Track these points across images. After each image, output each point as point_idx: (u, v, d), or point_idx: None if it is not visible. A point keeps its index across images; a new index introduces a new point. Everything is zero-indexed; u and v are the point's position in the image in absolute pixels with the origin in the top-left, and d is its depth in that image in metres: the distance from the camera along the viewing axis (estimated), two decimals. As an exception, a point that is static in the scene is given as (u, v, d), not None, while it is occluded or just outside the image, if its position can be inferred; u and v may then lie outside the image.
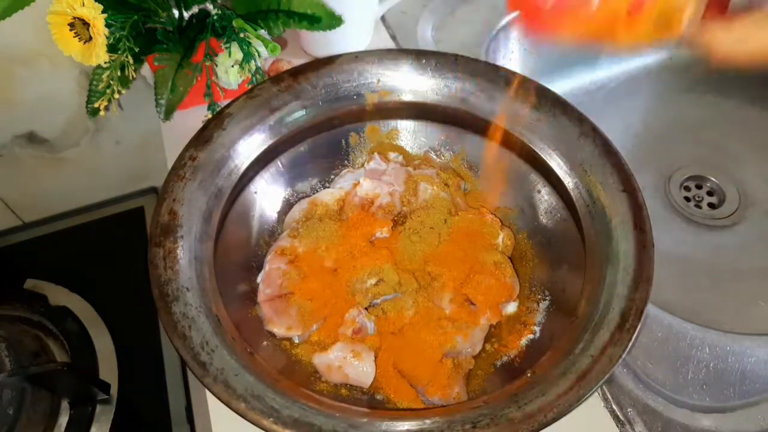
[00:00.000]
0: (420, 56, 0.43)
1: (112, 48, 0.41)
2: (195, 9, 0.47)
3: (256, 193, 0.43)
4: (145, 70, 0.51)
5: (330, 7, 0.46)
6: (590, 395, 0.28)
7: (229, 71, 0.46)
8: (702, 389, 0.39)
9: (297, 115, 0.42)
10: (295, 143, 0.44)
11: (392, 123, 0.46)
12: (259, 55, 0.46)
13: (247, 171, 0.40)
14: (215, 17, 0.46)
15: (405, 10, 0.65)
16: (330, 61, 0.43)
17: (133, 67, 0.43)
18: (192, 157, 0.38)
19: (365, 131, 0.46)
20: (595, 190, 0.36)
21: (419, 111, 0.44)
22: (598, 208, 0.36)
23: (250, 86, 0.48)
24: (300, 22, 0.46)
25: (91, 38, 0.38)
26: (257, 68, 0.47)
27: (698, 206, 0.62)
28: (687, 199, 0.62)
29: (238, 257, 0.41)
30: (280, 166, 0.44)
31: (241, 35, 0.45)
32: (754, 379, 0.39)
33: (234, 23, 0.44)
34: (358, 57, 0.43)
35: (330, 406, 0.30)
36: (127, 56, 0.42)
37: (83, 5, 0.37)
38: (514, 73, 0.41)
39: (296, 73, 0.42)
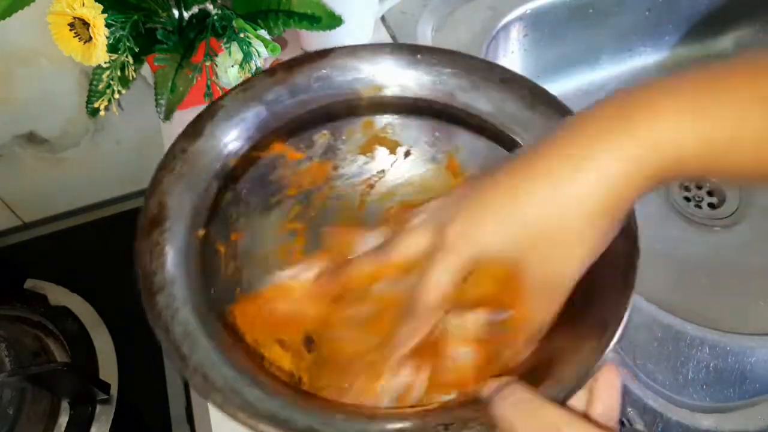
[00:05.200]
0: (416, 51, 0.42)
1: (112, 48, 0.41)
2: (195, 9, 0.47)
3: (245, 190, 0.42)
4: (145, 70, 0.51)
5: (330, 7, 0.46)
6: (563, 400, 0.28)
7: (229, 71, 0.46)
8: (702, 389, 0.39)
9: (290, 108, 0.42)
10: (288, 137, 0.43)
11: (387, 118, 0.45)
12: (259, 55, 0.46)
13: (239, 164, 0.40)
14: (215, 17, 0.46)
15: (405, 10, 0.65)
16: (324, 54, 0.42)
17: (133, 67, 0.43)
18: (182, 149, 0.38)
19: (360, 125, 0.46)
20: None
21: (414, 106, 0.44)
22: None
23: (249, 86, 0.48)
24: (300, 22, 0.46)
25: (91, 38, 0.38)
26: (257, 68, 0.47)
27: (698, 206, 0.62)
28: (687, 199, 0.62)
29: (226, 251, 0.41)
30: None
31: (241, 35, 0.45)
32: (754, 379, 0.39)
33: (234, 23, 0.44)
34: (353, 50, 0.43)
35: (309, 402, 0.30)
36: (127, 56, 0.42)
37: (83, 5, 0.37)
38: (509, 72, 0.41)
39: (290, 65, 0.42)
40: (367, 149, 0.46)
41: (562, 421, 0.23)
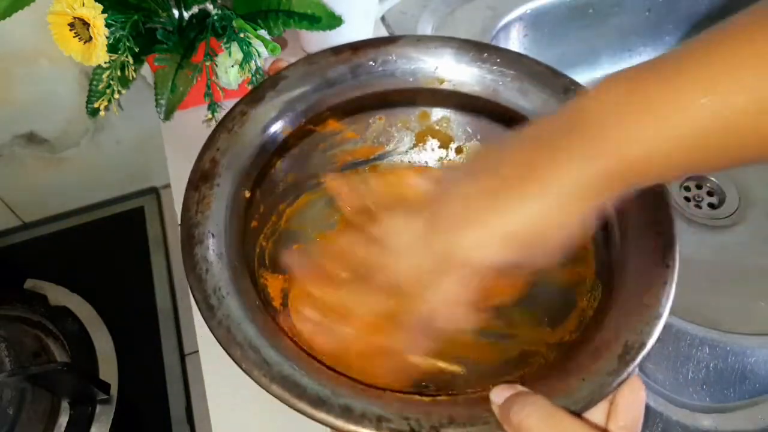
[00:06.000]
0: (482, 50, 0.42)
1: (112, 48, 0.41)
2: (195, 9, 0.47)
3: (296, 160, 0.43)
4: (145, 70, 0.51)
5: (330, 7, 0.46)
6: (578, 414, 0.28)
7: (229, 71, 0.46)
8: (702, 389, 0.39)
9: (351, 88, 0.42)
10: (344, 116, 0.44)
11: (443, 111, 0.45)
12: (259, 55, 0.46)
13: (292, 134, 0.41)
14: (215, 17, 0.46)
15: (405, 10, 0.65)
16: (392, 40, 0.42)
17: (133, 67, 0.43)
18: (242, 112, 0.39)
19: (416, 115, 0.46)
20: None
21: (472, 104, 0.44)
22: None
23: (250, 86, 0.48)
24: (300, 22, 0.46)
25: (91, 38, 0.38)
26: (257, 68, 0.47)
27: (698, 206, 0.62)
28: (687, 199, 0.62)
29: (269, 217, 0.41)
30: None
31: (241, 35, 0.45)
32: (754, 379, 0.39)
33: (234, 23, 0.44)
34: (420, 41, 0.43)
35: (320, 371, 0.30)
36: (127, 56, 0.42)
37: (83, 5, 0.37)
38: (574, 81, 0.41)
39: (357, 47, 0.42)
40: (420, 140, 0.46)
41: None
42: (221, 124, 0.38)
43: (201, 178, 0.36)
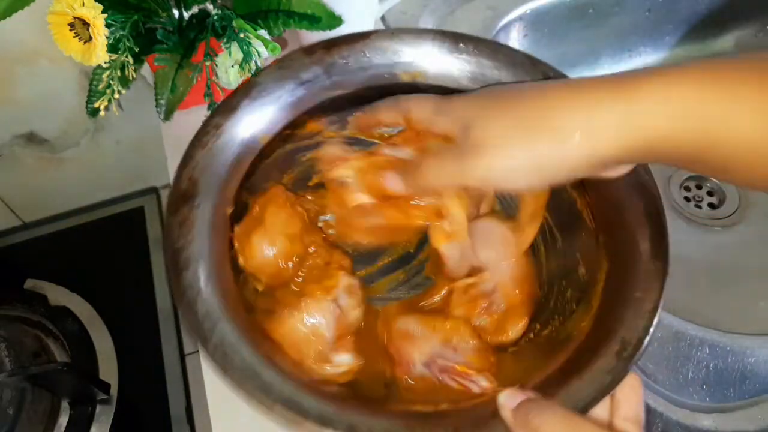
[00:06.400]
0: (458, 40, 0.41)
1: (112, 48, 0.41)
2: (195, 9, 0.47)
3: (276, 169, 0.42)
4: (145, 70, 0.51)
5: (330, 7, 0.46)
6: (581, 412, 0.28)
7: (229, 71, 0.46)
8: (702, 389, 0.39)
9: (326, 88, 0.40)
10: (322, 116, 0.43)
11: None
12: (259, 55, 0.46)
13: (270, 143, 0.40)
14: (215, 17, 0.46)
15: (405, 10, 0.65)
16: (365, 36, 0.41)
17: (133, 67, 0.43)
18: (216, 125, 0.37)
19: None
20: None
21: (450, 95, 0.43)
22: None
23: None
24: (300, 22, 0.46)
25: (91, 38, 0.38)
26: (257, 68, 0.47)
27: (698, 206, 0.62)
28: (687, 199, 0.62)
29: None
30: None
31: (241, 35, 0.45)
32: (754, 379, 0.39)
33: (234, 23, 0.44)
34: (394, 34, 0.41)
35: (320, 391, 0.30)
36: (127, 56, 0.42)
37: (83, 5, 0.37)
38: (552, 69, 0.40)
39: (329, 45, 0.41)
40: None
41: None
42: (196, 141, 0.37)
43: (180, 199, 0.34)
